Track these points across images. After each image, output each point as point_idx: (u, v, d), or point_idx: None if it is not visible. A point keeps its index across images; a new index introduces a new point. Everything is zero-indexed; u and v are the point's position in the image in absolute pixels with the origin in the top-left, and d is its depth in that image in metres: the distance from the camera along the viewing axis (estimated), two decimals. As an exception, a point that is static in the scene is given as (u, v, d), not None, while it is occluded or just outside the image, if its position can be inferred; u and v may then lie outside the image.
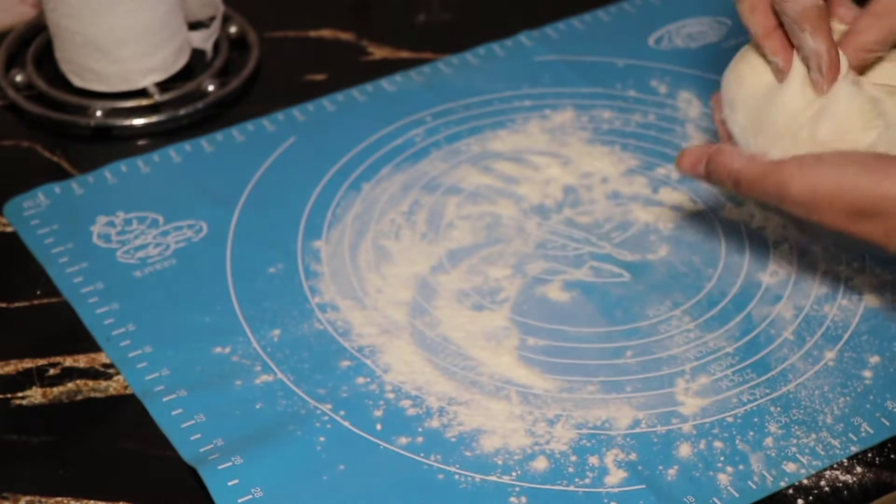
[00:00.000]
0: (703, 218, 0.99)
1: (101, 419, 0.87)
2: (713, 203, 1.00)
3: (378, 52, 1.15)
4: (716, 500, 0.81)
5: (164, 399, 0.87)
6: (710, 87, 1.08)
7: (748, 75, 0.86)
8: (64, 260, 0.96)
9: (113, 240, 0.98)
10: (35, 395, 0.88)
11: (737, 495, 0.81)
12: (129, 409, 0.87)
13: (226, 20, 1.16)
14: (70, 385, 0.89)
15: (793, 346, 0.90)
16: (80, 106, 1.08)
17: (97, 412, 0.87)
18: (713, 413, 0.86)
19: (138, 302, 0.93)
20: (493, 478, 0.82)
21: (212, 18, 1.14)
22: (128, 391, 0.88)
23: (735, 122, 0.86)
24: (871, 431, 0.85)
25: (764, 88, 0.85)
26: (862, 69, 0.84)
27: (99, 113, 1.08)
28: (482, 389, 0.88)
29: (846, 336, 0.91)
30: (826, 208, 0.79)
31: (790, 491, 0.82)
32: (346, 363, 0.89)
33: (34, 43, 1.14)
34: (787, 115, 0.83)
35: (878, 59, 0.84)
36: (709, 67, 1.12)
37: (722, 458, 0.83)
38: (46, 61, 1.12)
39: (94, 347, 0.90)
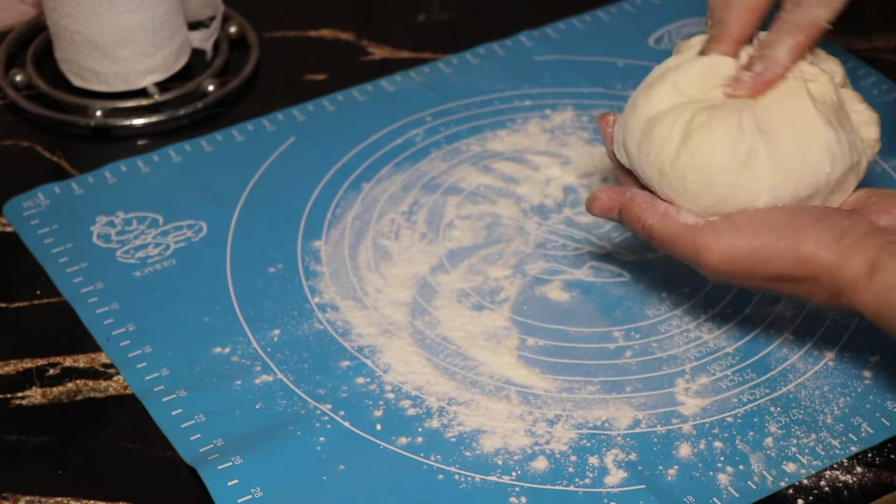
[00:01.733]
0: (703, 218, 0.99)
1: (101, 419, 0.87)
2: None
3: (378, 52, 1.15)
4: (716, 500, 0.81)
5: (164, 399, 0.87)
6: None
7: (641, 103, 0.85)
8: (64, 260, 0.96)
9: (113, 240, 0.98)
10: (35, 395, 0.88)
11: (737, 495, 0.81)
12: (129, 409, 0.87)
13: (226, 20, 1.16)
14: (70, 385, 0.89)
15: (793, 346, 0.90)
16: (80, 106, 1.08)
17: (97, 412, 0.87)
18: (713, 413, 0.86)
19: (138, 302, 0.93)
20: (493, 478, 0.82)
21: (212, 18, 1.14)
22: (128, 391, 0.88)
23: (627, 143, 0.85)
24: (871, 431, 0.85)
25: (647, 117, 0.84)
26: (751, 32, 0.83)
27: (99, 113, 1.08)
28: (482, 389, 0.88)
29: (846, 336, 0.91)
30: (745, 276, 0.80)
31: (790, 491, 0.82)
32: (346, 363, 0.89)
33: (34, 43, 1.14)
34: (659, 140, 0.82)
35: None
36: (709, 67, 1.12)
37: (722, 459, 0.83)
38: (46, 61, 1.12)
39: (94, 347, 0.90)
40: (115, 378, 0.89)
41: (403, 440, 0.85)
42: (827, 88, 0.83)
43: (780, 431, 0.85)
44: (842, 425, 0.85)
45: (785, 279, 0.79)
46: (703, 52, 0.85)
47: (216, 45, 1.14)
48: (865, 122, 0.84)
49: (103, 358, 0.90)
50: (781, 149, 0.80)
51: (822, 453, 0.84)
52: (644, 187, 0.84)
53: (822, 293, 0.79)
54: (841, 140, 0.81)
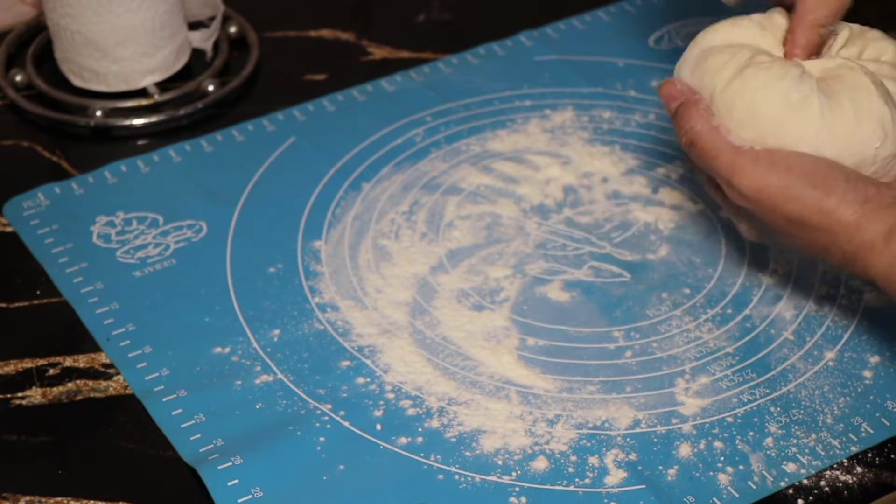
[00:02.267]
0: (703, 218, 0.99)
1: (101, 419, 0.87)
2: (713, 203, 1.00)
3: (378, 52, 1.15)
4: (716, 500, 0.81)
5: (164, 399, 0.87)
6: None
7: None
8: (64, 260, 0.96)
9: (113, 240, 0.98)
10: (35, 395, 0.88)
11: (737, 495, 0.81)
12: (129, 409, 0.87)
13: (226, 20, 1.16)
14: (70, 385, 0.88)
15: (793, 346, 0.90)
16: (80, 106, 1.08)
17: (97, 412, 0.87)
18: (713, 413, 0.86)
19: (138, 302, 0.93)
20: (493, 478, 0.82)
21: (212, 18, 1.14)
22: (128, 391, 0.88)
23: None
24: (871, 431, 0.85)
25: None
26: (819, 46, 0.86)
27: (99, 113, 1.08)
28: (482, 389, 0.88)
29: (846, 336, 0.91)
30: (769, 210, 0.82)
31: (790, 491, 0.82)
32: (345, 363, 0.89)
33: (34, 43, 1.14)
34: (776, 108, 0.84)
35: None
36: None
37: (722, 459, 0.83)
38: (46, 61, 1.12)
39: (94, 347, 0.90)
40: (115, 378, 0.89)
41: (403, 440, 0.85)
42: (883, 69, 0.86)
43: (780, 431, 0.85)
44: (842, 425, 0.85)
45: (804, 225, 0.81)
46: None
47: (216, 45, 1.14)
48: None
49: (103, 358, 0.90)
50: (838, 111, 0.83)
51: (822, 453, 0.84)
52: None
53: (838, 252, 0.81)
54: (895, 121, 0.83)
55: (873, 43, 0.88)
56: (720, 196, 0.86)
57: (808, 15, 0.85)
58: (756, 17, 0.89)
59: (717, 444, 0.84)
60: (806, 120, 0.82)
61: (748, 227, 0.87)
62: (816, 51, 0.87)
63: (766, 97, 0.83)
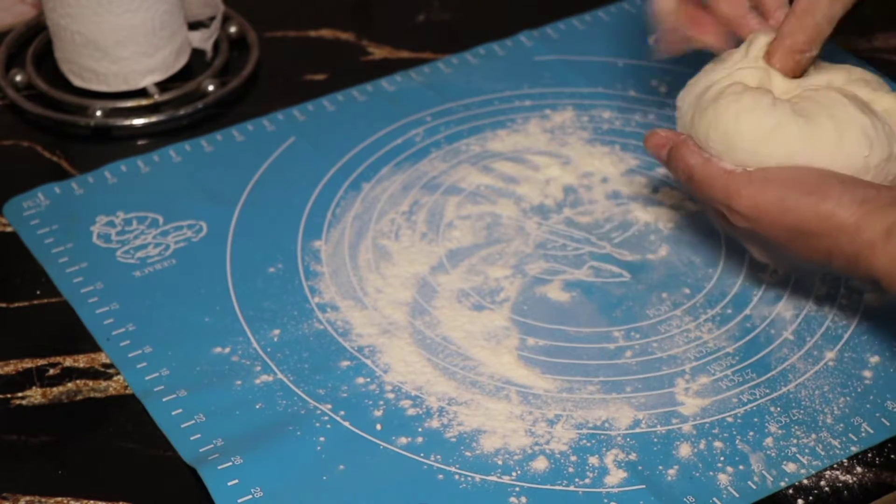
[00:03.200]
0: (703, 218, 0.99)
1: (101, 419, 0.87)
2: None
3: (378, 52, 1.15)
4: (716, 500, 0.81)
5: (164, 399, 0.87)
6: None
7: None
8: (64, 260, 0.96)
9: (113, 240, 0.98)
10: (35, 395, 0.88)
11: (737, 495, 0.81)
12: (129, 409, 0.87)
13: (226, 20, 1.16)
14: (70, 385, 0.89)
15: (793, 346, 0.90)
16: (80, 106, 1.08)
17: (97, 412, 0.87)
18: (713, 413, 0.86)
19: (138, 302, 0.93)
20: (493, 478, 0.82)
21: (212, 18, 1.14)
22: (128, 391, 0.88)
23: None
24: (871, 431, 0.85)
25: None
26: (796, 71, 0.86)
27: (99, 113, 1.08)
28: (482, 389, 0.88)
29: (846, 336, 0.91)
30: (769, 225, 0.82)
31: (790, 491, 0.82)
32: (345, 363, 0.89)
33: (34, 43, 1.14)
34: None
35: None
36: (709, 67, 1.12)
37: (722, 459, 0.83)
38: (46, 61, 1.12)
39: (94, 347, 0.90)
40: (115, 378, 0.89)
41: (403, 440, 0.85)
42: (849, 87, 0.86)
43: (780, 431, 0.85)
44: (842, 425, 0.85)
45: (805, 233, 0.81)
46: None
47: (216, 45, 1.14)
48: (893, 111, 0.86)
49: (103, 358, 0.90)
50: (818, 130, 0.83)
51: (822, 453, 0.84)
52: None
53: (841, 255, 0.81)
54: (877, 126, 0.83)
55: (837, 72, 0.88)
56: (726, 224, 0.86)
57: (785, 40, 0.86)
58: (742, 47, 0.89)
59: (717, 444, 0.84)
60: (785, 145, 0.82)
61: (759, 250, 0.87)
62: (794, 76, 0.86)
63: (738, 129, 0.83)
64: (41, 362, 0.90)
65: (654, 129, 0.89)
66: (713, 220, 0.89)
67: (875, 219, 0.79)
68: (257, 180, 1.03)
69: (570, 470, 0.83)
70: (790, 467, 0.83)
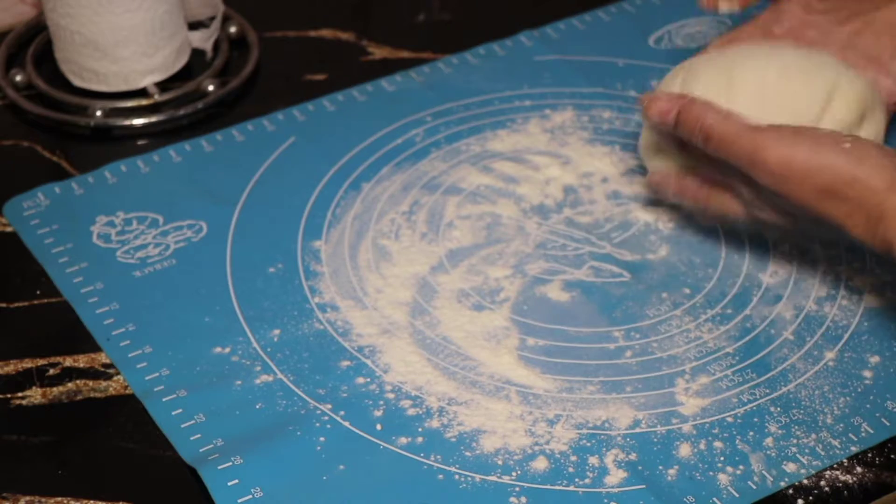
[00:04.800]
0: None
1: (101, 419, 0.87)
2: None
3: (378, 52, 1.15)
4: (716, 500, 0.81)
5: (164, 399, 0.87)
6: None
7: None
8: (64, 260, 0.96)
9: (113, 240, 0.98)
10: (35, 395, 0.88)
11: (737, 495, 0.81)
12: (129, 409, 0.87)
13: (226, 20, 1.16)
14: (70, 385, 0.89)
15: (793, 346, 0.90)
16: (80, 106, 1.08)
17: (97, 412, 0.87)
18: (713, 413, 0.86)
19: (138, 302, 0.93)
20: (493, 478, 0.82)
21: (212, 18, 1.14)
22: (128, 391, 0.88)
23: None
24: (871, 431, 0.85)
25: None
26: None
27: (99, 113, 1.08)
28: (482, 389, 0.88)
29: (846, 336, 0.91)
30: (797, 182, 0.81)
31: (790, 491, 0.82)
32: (345, 363, 0.89)
33: (34, 43, 1.14)
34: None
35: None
36: (709, 67, 1.12)
37: (722, 459, 0.83)
38: (46, 61, 1.12)
39: (94, 347, 0.90)
40: (115, 378, 0.89)
41: (403, 440, 0.85)
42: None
43: (780, 431, 0.85)
44: (842, 425, 0.85)
45: (833, 196, 0.80)
46: None
47: (216, 45, 1.14)
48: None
49: (103, 358, 0.90)
50: (771, 79, 0.86)
51: (822, 453, 0.84)
52: None
53: (861, 220, 0.80)
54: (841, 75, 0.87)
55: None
56: (738, 197, 0.85)
57: None
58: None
59: (717, 444, 0.84)
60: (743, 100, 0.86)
61: (770, 213, 0.86)
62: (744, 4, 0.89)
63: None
64: (41, 362, 0.90)
65: (649, 97, 0.87)
66: (705, 211, 0.89)
67: None
68: (257, 180, 1.03)
69: (570, 470, 0.83)
70: (790, 467, 0.83)
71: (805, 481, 0.82)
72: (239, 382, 0.88)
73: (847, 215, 0.81)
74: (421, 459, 0.83)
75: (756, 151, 0.81)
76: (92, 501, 0.82)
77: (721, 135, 0.83)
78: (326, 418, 0.86)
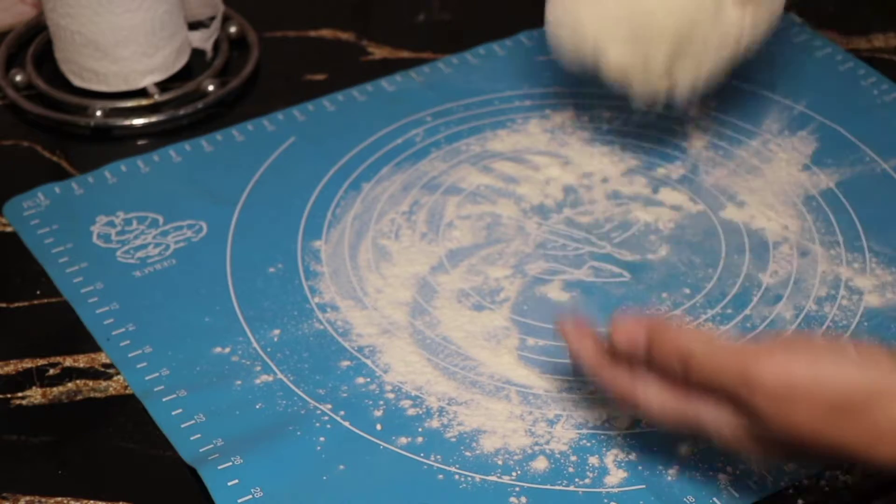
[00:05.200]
0: (703, 218, 0.99)
1: (101, 419, 0.87)
2: (713, 203, 1.00)
3: (378, 52, 1.16)
4: (716, 500, 0.81)
5: (164, 399, 0.87)
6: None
7: None
8: (64, 260, 0.96)
9: (113, 240, 0.98)
10: (35, 395, 0.88)
11: (737, 495, 0.81)
12: (129, 409, 0.87)
13: (226, 20, 1.16)
14: (70, 385, 0.89)
15: (793, 346, 0.90)
16: (80, 106, 1.08)
17: (97, 412, 0.87)
18: (713, 413, 0.86)
19: (138, 302, 0.93)
20: (493, 478, 0.82)
21: (212, 18, 1.14)
22: (128, 391, 0.88)
23: None
24: (871, 431, 0.85)
25: None
26: None
27: (99, 113, 1.08)
28: (482, 389, 0.88)
29: (846, 336, 0.91)
30: (802, 402, 0.70)
31: (790, 491, 0.82)
32: (345, 363, 0.89)
33: (34, 43, 1.14)
34: None
35: None
36: (709, 67, 1.12)
37: (722, 458, 0.83)
38: (46, 61, 1.12)
39: (94, 347, 0.90)
40: (115, 378, 0.89)
41: (403, 440, 0.85)
42: None
43: (780, 431, 0.85)
44: (842, 425, 0.85)
45: (848, 409, 0.69)
46: None
47: (216, 45, 1.14)
48: None
49: (103, 358, 0.90)
50: None
51: (822, 453, 0.84)
52: None
53: (892, 437, 0.69)
54: None
55: None
56: (728, 425, 0.74)
57: None
58: None
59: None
60: None
61: (774, 450, 0.74)
62: None
63: None
64: (41, 362, 0.90)
65: (617, 315, 0.76)
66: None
67: None
68: (257, 180, 1.03)
69: (570, 470, 0.83)
70: (790, 467, 0.83)
71: (805, 481, 0.82)
72: (239, 382, 0.88)
73: (868, 434, 0.69)
74: (421, 459, 0.83)
75: (748, 373, 0.70)
76: (92, 501, 0.82)
77: (703, 357, 0.72)
78: (326, 418, 0.86)
